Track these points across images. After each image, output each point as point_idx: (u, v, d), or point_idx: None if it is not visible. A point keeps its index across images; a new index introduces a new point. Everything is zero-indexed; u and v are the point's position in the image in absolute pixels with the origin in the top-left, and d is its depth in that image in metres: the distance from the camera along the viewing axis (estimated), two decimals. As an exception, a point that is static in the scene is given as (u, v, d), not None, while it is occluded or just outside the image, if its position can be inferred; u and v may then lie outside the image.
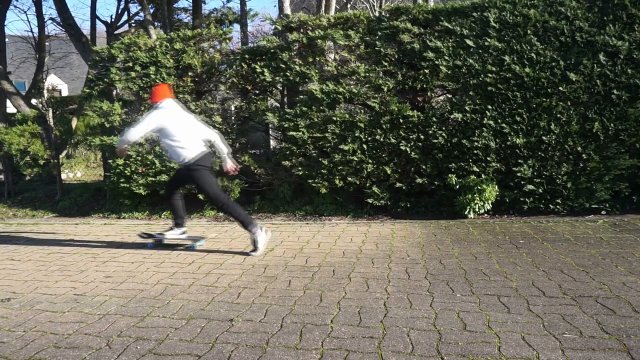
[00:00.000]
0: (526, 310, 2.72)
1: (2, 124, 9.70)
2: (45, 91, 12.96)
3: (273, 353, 2.33)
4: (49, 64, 17.57)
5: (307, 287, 3.28)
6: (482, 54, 5.35)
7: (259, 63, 6.05)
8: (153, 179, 6.32)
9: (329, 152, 5.86)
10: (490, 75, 5.32)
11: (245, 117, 6.41)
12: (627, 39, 5.05)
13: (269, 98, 6.74)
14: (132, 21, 14.15)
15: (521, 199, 5.42)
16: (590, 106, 5.20)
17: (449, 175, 5.49)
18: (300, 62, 5.96)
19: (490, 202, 5.31)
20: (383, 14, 5.83)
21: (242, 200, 6.40)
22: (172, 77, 6.35)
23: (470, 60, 5.37)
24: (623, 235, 4.34)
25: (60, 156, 9.69)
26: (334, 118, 5.72)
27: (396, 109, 5.55)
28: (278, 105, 6.77)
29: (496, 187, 5.31)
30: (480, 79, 5.36)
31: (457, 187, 5.44)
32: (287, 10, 7.46)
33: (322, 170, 5.83)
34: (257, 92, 6.50)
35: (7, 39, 11.66)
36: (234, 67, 6.16)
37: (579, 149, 5.26)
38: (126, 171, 6.40)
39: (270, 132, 6.98)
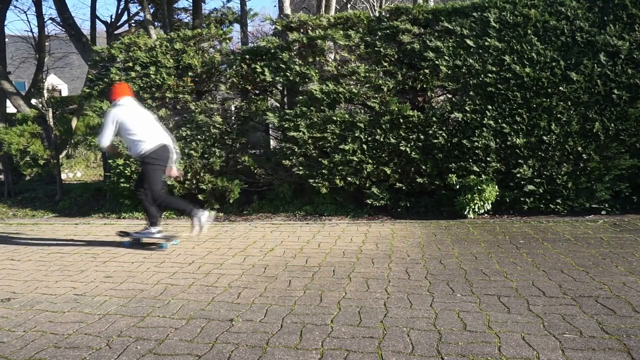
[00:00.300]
0: (526, 310, 2.72)
1: (2, 124, 9.70)
2: (45, 91, 12.95)
3: (273, 353, 2.33)
4: (49, 64, 17.57)
5: (307, 287, 3.28)
6: (482, 54, 5.35)
7: (259, 63, 6.05)
8: (153, 179, 6.31)
9: (329, 152, 5.86)
10: (490, 75, 5.32)
11: (246, 117, 6.41)
12: (628, 39, 5.05)
13: (269, 98, 6.74)
14: (132, 21, 14.15)
15: (521, 199, 5.41)
16: (591, 106, 5.20)
17: (449, 175, 5.49)
18: (300, 62, 5.96)
19: (490, 202, 5.31)
20: (383, 14, 5.82)
21: (242, 200, 6.40)
22: (172, 77, 6.34)
23: (471, 60, 5.37)
24: (623, 235, 4.34)
25: (60, 156, 9.69)
26: (334, 118, 5.72)
27: (396, 109, 5.55)
28: (278, 105, 6.77)
29: (496, 187, 5.31)
30: (481, 79, 5.35)
31: (457, 187, 5.44)
32: (287, 10, 7.46)
33: (322, 170, 5.83)
34: (257, 92, 6.50)
35: (7, 39, 11.65)
36: (234, 67, 6.16)
37: (579, 149, 5.25)
38: (126, 171, 6.40)
39: (271, 132, 6.98)
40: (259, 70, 5.98)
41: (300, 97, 5.95)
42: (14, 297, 3.33)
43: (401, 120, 5.59)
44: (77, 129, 10.91)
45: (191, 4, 11.81)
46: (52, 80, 23.60)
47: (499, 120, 5.36)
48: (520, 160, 5.38)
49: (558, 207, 5.37)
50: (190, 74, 6.35)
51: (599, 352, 2.20)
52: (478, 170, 5.46)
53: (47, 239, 5.28)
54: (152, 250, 4.53)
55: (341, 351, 2.32)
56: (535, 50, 5.22)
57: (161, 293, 3.28)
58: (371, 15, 5.99)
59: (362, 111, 5.93)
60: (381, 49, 5.62)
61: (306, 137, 5.82)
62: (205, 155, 6.31)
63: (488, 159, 5.44)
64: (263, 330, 2.59)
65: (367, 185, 5.82)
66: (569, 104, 5.23)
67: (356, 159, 5.72)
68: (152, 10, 12.12)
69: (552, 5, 5.21)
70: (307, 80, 5.89)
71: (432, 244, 4.31)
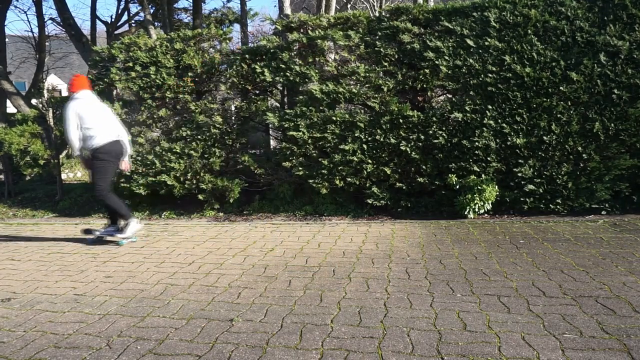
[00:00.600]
0: (526, 310, 2.72)
1: (2, 124, 9.70)
2: (45, 91, 12.96)
3: (273, 353, 2.33)
4: (49, 64, 17.57)
5: (307, 287, 3.28)
6: (482, 53, 5.35)
7: (259, 63, 6.05)
8: (153, 179, 6.32)
9: (329, 152, 5.86)
10: (490, 75, 5.32)
11: (246, 117, 6.41)
12: (628, 39, 5.05)
13: (269, 98, 6.74)
14: (132, 21, 14.17)
15: (521, 199, 5.41)
16: (591, 106, 5.20)
17: (449, 175, 5.49)
18: (300, 62, 5.96)
19: (490, 202, 5.31)
20: (383, 14, 5.82)
21: (242, 200, 6.40)
22: (172, 77, 6.35)
23: (471, 60, 5.37)
24: (623, 235, 4.34)
25: (61, 156, 9.69)
26: (334, 118, 5.72)
27: (396, 109, 5.55)
28: (278, 105, 6.77)
29: (496, 187, 5.31)
30: (481, 78, 5.35)
31: (457, 187, 5.44)
32: (287, 10, 7.46)
33: (322, 171, 5.83)
34: (257, 92, 6.50)
35: (7, 39, 11.66)
36: (234, 67, 6.16)
37: (580, 149, 5.25)
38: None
39: (271, 132, 6.98)
40: (259, 70, 5.98)
41: (300, 97, 5.95)
42: (14, 297, 3.33)
43: (401, 120, 5.59)
44: (77, 129, 10.90)
45: (191, 4, 11.82)
46: (52, 80, 23.60)
47: (499, 120, 5.36)
48: (520, 160, 5.38)
49: (558, 207, 5.37)
50: (190, 74, 6.36)
51: (599, 352, 2.20)
52: (478, 170, 5.46)
53: (47, 239, 5.28)
54: (151, 250, 4.53)
55: (341, 351, 2.32)
56: (536, 50, 5.22)
57: (161, 293, 3.28)
58: (371, 15, 5.99)
59: (362, 111, 5.93)
60: (381, 49, 5.62)
61: (306, 137, 5.82)
62: (205, 155, 6.31)
63: (488, 159, 5.44)
64: (263, 330, 2.59)
65: (367, 185, 5.82)
66: (569, 104, 5.23)
67: (356, 159, 5.72)
68: (152, 10, 12.13)
69: (552, 5, 5.21)
70: (307, 80, 5.89)
71: (432, 244, 4.31)
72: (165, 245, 4.72)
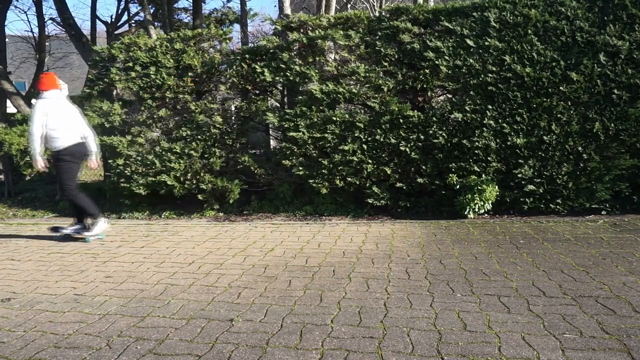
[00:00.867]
0: (526, 310, 2.72)
1: (2, 124, 9.70)
2: (45, 91, 12.92)
3: (273, 353, 2.33)
4: (49, 64, 17.57)
5: (307, 287, 3.28)
6: (482, 53, 5.35)
7: (259, 63, 6.05)
8: (153, 179, 6.32)
9: (329, 152, 5.86)
10: (490, 75, 5.32)
11: (246, 117, 6.41)
12: (628, 39, 5.05)
13: (269, 98, 6.74)
14: (132, 21, 14.16)
15: (521, 199, 5.41)
16: (591, 106, 5.19)
17: (449, 175, 5.49)
18: (300, 62, 5.96)
19: (490, 202, 5.31)
20: (383, 14, 5.82)
21: (242, 200, 6.40)
22: (172, 77, 6.34)
23: (471, 60, 5.37)
24: (623, 235, 4.33)
25: (61, 156, 9.67)
26: (334, 118, 5.72)
27: (396, 109, 5.55)
28: (278, 105, 6.77)
29: (496, 187, 5.31)
30: (481, 78, 5.35)
31: (458, 187, 5.44)
32: (287, 10, 7.46)
33: (322, 171, 5.83)
34: (257, 92, 6.50)
35: (7, 39, 11.65)
36: (234, 67, 6.16)
37: (580, 149, 5.25)
38: (126, 171, 6.41)
39: (271, 132, 6.98)
40: (259, 70, 5.98)
41: (300, 97, 5.95)
42: (14, 297, 3.33)
43: (401, 120, 5.59)
44: (77, 129, 10.90)
45: (191, 4, 11.81)
46: (52, 80, 23.53)
47: (499, 120, 5.36)
48: (520, 160, 5.38)
49: (558, 207, 5.36)
50: (190, 74, 6.35)
51: (599, 352, 2.20)
52: (478, 170, 5.46)
53: (47, 239, 5.28)
54: (151, 250, 4.53)
55: (341, 351, 2.32)
56: (536, 50, 5.22)
57: (161, 293, 3.28)
58: (371, 15, 5.99)
59: (362, 111, 5.93)
60: (381, 49, 5.62)
61: (306, 137, 5.82)
62: (205, 155, 6.31)
63: (488, 158, 5.44)
64: (263, 330, 2.59)
65: (367, 185, 5.82)
66: (569, 104, 5.23)
67: (356, 159, 5.72)
68: (152, 10, 12.13)
69: (552, 5, 5.21)
70: (307, 80, 5.89)
71: (432, 244, 4.31)
72: (165, 245, 4.72)
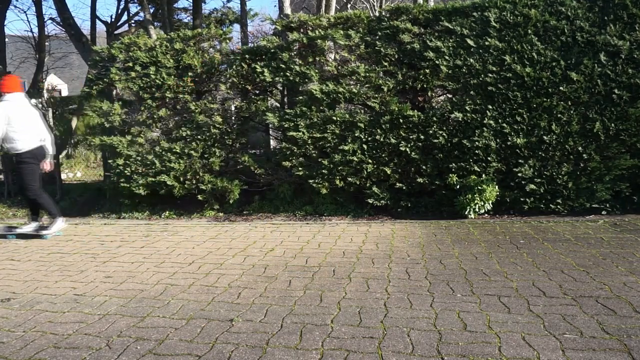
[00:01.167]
0: (527, 310, 2.71)
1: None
2: (45, 91, 12.95)
3: (273, 353, 2.33)
4: (48, 64, 17.57)
5: (307, 287, 3.27)
6: (482, 53, 5.35)
7: (259, 63, 6.05)
8: (153, 179, 6.32)
9: (329, 152, 5.86)
10: (490, 75, 5.32)
11: (246, 117, 6.41)
12: (628, 38, 5.04)
13: (269, 98, 6.74)
14: (132, 21, 14.16)
15: (522, 199, 5.41)
16: (591, 106, 5.19)
17: (450, 175, 5.49)
18: (300, 62, 5.96)
19: (490, 202, 5.30)
20: (383, 13, 5.82)
21: (242, 200, 6.40)
22: (172, 77, 6.34)
23: (471, 60, 5.36)
24: (624, 235, 4.33)
25: (60, 156, 9.68)
26: (334, 118, 5.72)
27: (396, 109, 5.55)
28: (278, 105, 6.76)
29: (496, 187, 5.30)
30: (481, 78, 5.35)
31: (458, 187, 5.44)
32: (287, 10, 7.46)
33: (323, 171, 5.83)
34: (257, 92, 6.50)
35: (7, 39, 11.65)
36: (234, 67, 6.16)
37: (580, 149, 5.25)
38: (126, 171, 6.40)
39: (271, 132, 6.98)
40: (259, 70, 5.98)
41: (300, 97, 5.94)
42: (14, 297, 3.32)
43: (401, 120, 5.58)
44: (77, 129, 10.92)
45: (191, 4, 11.81)
46: (52, 80, 23.59)
47: (500, 120, 5.36)
48: (520, 160, 5.37)
49: (558, 207, 5.36)
50: (190, 74, 6.35)
51: (599, 352, 2.20)
52: (478, 170, 5.46)
53: (47, 239, 5.28)
54: (151, 250, 4.53)
55: (341, 351, 2.31)
56: (536, 50, 5.22)
57: (161, 293, 3.27)
58: (371, 15, 5.99)
59: (362, 111, 5.93)
60: (381, 49, 5.62)
61: (306, 137, 5.81)
62: (205, 155, 6.30)
63: (488, 158, 5.44)
64: (263, 331, 2.58)
65: (368, 185, 5.82)
66: (570, 103, 5.23)
67: (356, 159, 5.72)
68: (152, 10, 12.12)
69: (552, 5, 5.21)
70: (307, 80, 5.89)
71: (432, 244, 4.31)
72: (165, 245, 4.72)
